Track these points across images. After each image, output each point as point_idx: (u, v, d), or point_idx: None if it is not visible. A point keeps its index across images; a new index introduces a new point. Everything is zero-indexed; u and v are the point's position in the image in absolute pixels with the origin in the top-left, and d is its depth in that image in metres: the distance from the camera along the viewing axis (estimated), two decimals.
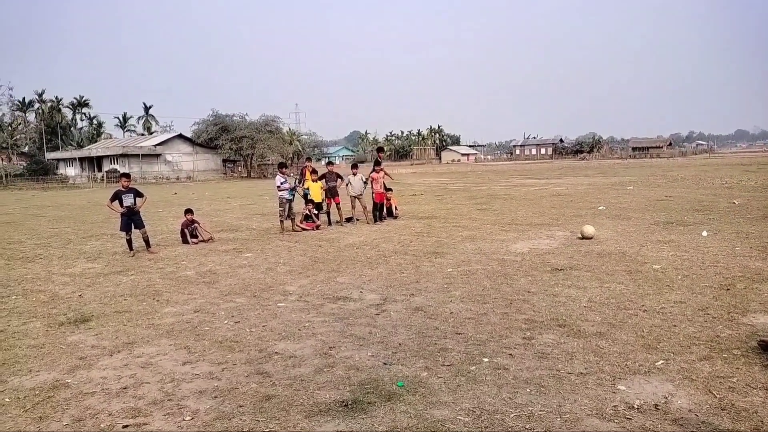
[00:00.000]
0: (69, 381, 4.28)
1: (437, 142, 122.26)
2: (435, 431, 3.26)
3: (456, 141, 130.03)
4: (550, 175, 35.99)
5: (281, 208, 12.55)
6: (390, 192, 14.49)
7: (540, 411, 3.46)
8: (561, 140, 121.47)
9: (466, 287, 6.70)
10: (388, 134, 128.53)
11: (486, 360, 4.33)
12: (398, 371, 4.17)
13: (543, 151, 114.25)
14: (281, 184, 12.56)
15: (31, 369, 4.57)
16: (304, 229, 12.58)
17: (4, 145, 62.67)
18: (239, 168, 66.35)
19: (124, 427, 3.50)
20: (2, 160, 60.79)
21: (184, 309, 6.28)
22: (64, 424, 3.58)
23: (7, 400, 3.97)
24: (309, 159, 17.40)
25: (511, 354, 4.45)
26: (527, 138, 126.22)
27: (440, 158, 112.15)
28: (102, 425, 3.53)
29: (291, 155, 67.24)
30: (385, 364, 4.33)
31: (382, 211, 13.76)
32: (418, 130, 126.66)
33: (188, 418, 3.59)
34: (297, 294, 6.77)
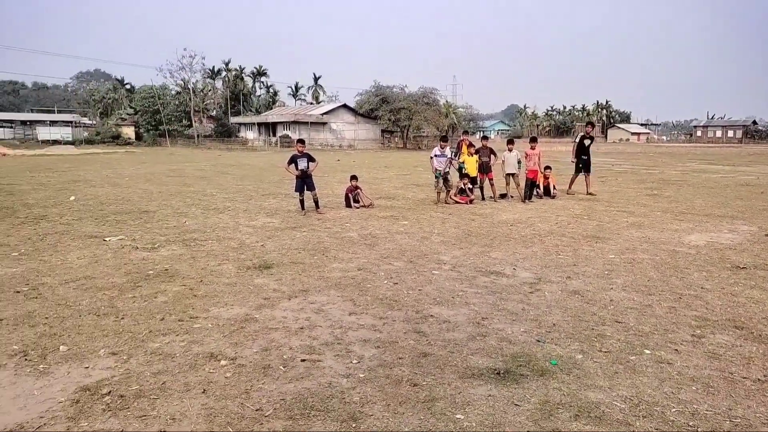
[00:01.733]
0: (257, 316, 4.99)
1: (603, 118, 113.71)
2: (589, 411, 3.29)
3: (626, 118, 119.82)
4: (737, 162, 31.75)
5: (436, 180, 12.86)
6: (549, 170, 14.04)
7: (707, 411, 3.29)
8: (754, 122, 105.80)
9: (630, 276, 6.38)
10: (549, 108, 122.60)
11: (648, 352, 4.18)
12: (551, 350, 4.21)
13: (730, 133, 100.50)
14: (435, 156, 12.83)
15: (226, 303, 5.39)
16: (457, 203, 12.76)
17: (196, 108, 71.30)
18: (396, 138, 68.31)
19: (302, 360, 4.03)
20: (195, 121, 69.39)
21: (349, 266, 6.87)
22: (254, 351, 4.22)
23: (209, 325, 4.77)
24: (466, 132, 17.43)
25: (676, 349, 4.23)
26: (711, 118, 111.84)
27: (606, 137, 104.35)
28: (284, 356, 4.11)
29: (446, 128, 67.43)
30: (539, 341, 4.38)
31: (532, 189, 13.38)
32: (583, 106, 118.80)
33: (355, 361, 4.03)
34: (450, 264, 7.01)
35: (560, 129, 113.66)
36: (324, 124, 62.91)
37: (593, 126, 15.35)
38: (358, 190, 12.32)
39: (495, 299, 5.53)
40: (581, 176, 14.62)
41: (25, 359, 4.01)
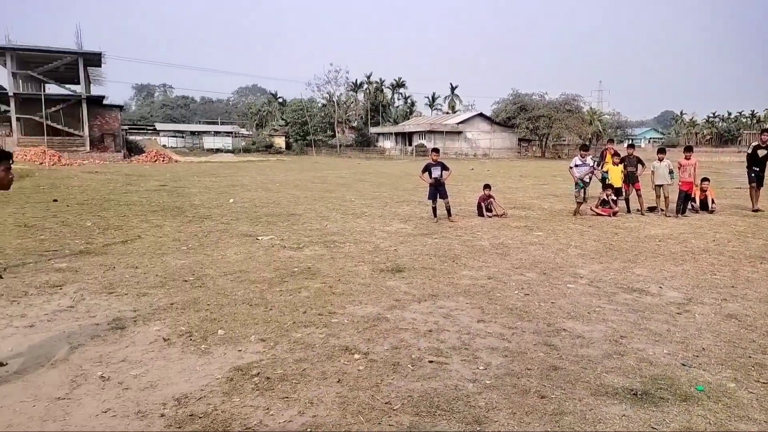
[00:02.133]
0: (388, 316, 5.22)
1: None
2: None
3: None
4: None
5: (576, 190, 12.32)
6: (706, 182, 12.74)
7: None
8: None
9: None
10: (710, 115, 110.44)
11: None
12: (698, 375, 3.88)
13: None
14: (576, 165, 12.29)
15: (361, 301, 5.70)
16: (599, 215, 12.09)
17: (339, 119, 75.46)
18: (533, 147, 66.27)
19: (430, 361, 4.15)
20: (338, 132, 73.43)
21: (479, 274, 6.87)
22: (385, 348, 4.43)
23: (345, 321, 5.08)
24: (611, 141, 16.40)
25: None
26: None
27: None
28: (413, 356, 4.26)
29: (590, 136, 63.86)
30: (684, 365, 4.06)
31: (686, 202, 12.19)
32: (752, 111, 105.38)
33: (482, 367, 4.05)
34: (588, 278, 6.70)
35: (723, 138, 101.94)
36: (459, 133, 62.99)
37: None
38: (491, 199, 12.21)
39: (636, 318, 5.20)
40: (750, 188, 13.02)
41: (190, 339, 4.61)
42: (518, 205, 14.15)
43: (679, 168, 12.29)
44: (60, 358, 4.15)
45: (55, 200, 13.96)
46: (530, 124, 59.73)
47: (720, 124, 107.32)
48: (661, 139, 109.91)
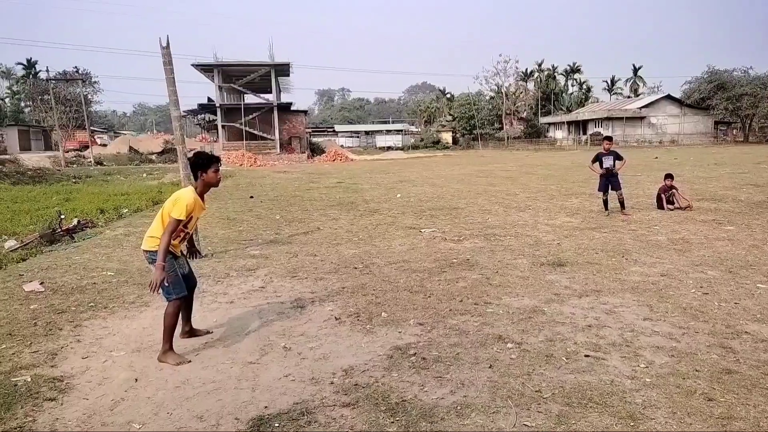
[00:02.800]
0: (545, 309, 5.19)
1: None
2: None
3: None
4: None
5: None
6: None
7: None
8: None
9: None
10: None
11: None
12: None
13: None
14: None
15: (518, 294, 5.73)
16: None
17: (507, 111, 73.90)
18: (734, 131, 58.00)
19: (586, 356, 4.09)
20: (506, 124, 72.02)
21: (651, 271, 6.43)
22: (539, 339, 4.45)
23: (500, 312, 5.18)
24: None
25: None
26: None
27: None
28: (568, 349, 4.23)
29: None
30: None
31: None
32: None
33: (643, 365, 3.88)
34: None
35: None
36: (642, 118, 57.63)
37: None
38: (674, 190, 11.15)
39: None
40: None
41: (357, 319, 5.11)
42: (708, 197, 12.70)
43: None
44: (252, 330, 4.91)
45: (251, 197, 16.03)
46: (730, 105, 52.41)
47: None
48: None
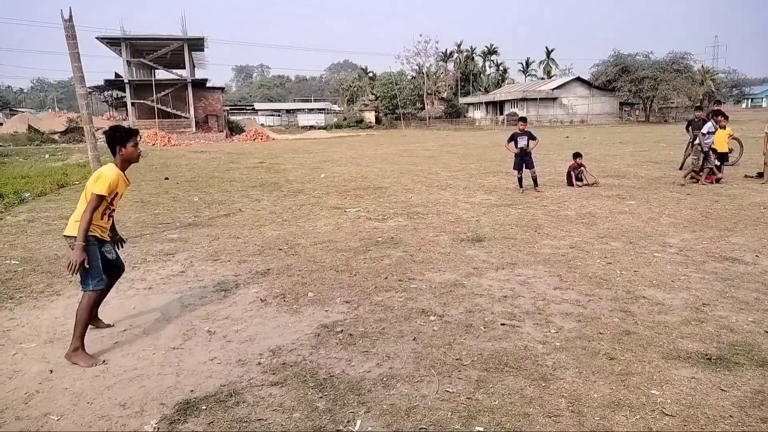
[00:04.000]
0: (465, 282, 5.43)
1: None
2: None
3: None
4: None
5: (695, 158, 11.57)
6: None
7: None
8: None
9: None
10: None
11: None
12: None
13: None
14: (708, 132, 11.42)
15: (439, 269, 5.95)
16: (702, 184, 11.36)
17: (429, 91, 74.97)
18: (636, 112, 62.18)
19: (502, 324, 4.34)
20: (427, 104, 73.07)
21: (561, 243, 6.87)
22: (460, 311, 4.67)
23: (423, 287, 5.36)
24: (718, 102, 15.22)
25: None
26: None
27: None
28: (486, 319, 4.47)
29: (701, 97, 58.75)
30: (767, 332, 3.94)
31: None
32: None
33: (554, 331, 4.18)
34: (677, 247, 6.48)
35: None
36: (554, 99, 60.41)
37: None
38: (582, 168, 11.87)
39: (724, 286, 5.03)
40: None
41: (284, 300, 5.11)
42: (612, 174, 13.62)
43: None
44: (174, 316, 4.79)
45: (167, 178, 15.36)
46: (633, 87, 56.03)
47: None
48: None
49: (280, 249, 7.00)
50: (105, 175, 3.96)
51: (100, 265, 4.03)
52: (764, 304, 4.52)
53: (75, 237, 3.86)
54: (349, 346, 4.02)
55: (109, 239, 4.28)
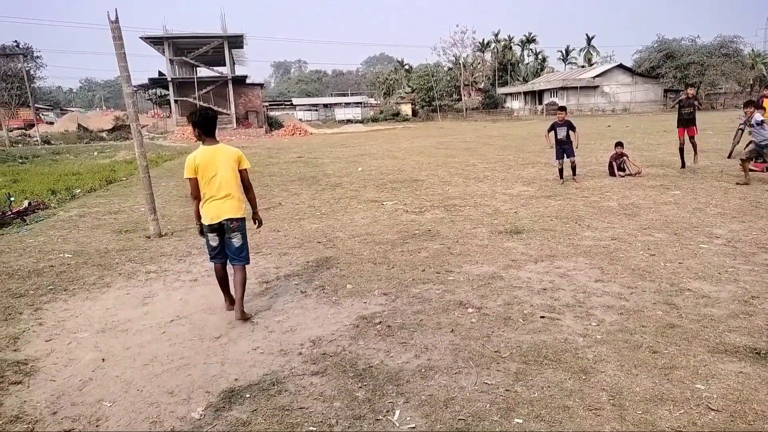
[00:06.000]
0: (503, 275, 5.40)
1: None
2: None
3: None
4: None
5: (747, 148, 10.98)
6: None
7: None
8: None
9: None
10: None
11: None
12: None
13: None
14: (760, 123, 10.69)
15: (477, 261, 5.93)
16: (751, 170, 10.90)
17: (465, 82, 74.12)
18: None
19: (542, 317, 4.31)
20: (464, 95, 72.31)
21: (603, 235, 6.73)
22: (498, 304, 4.65)
23: (461, 279, 5.36)
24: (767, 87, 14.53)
25: None
26: None
27: None
28: (524, 312, 4.44)
29: (752, 82, 56.20)
30: None
31: None
32: None
33: (594, 323, 4.13)
34: (725, 238, 6.27)
35: None
36: (595, 87, 58.86)
37: None
38: (624, 158, 11.58)
39: None
40: None
41: (323, 292, 5.20)
42: (656, 163, 13.23)
43: None
44: (218, 307, 4.94)
45: None
46: (678, 73, 54.06)
47: None
48: None
49: (319, 242, 7.11)
50: (242, 153, 4.69)
51: None
52: None
53: (240, 218, 4.61)
54: (387, 338, 4.07)
55: None
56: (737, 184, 9.70)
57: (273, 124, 50.11)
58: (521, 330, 4.09)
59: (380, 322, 4.38)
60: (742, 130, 13.76)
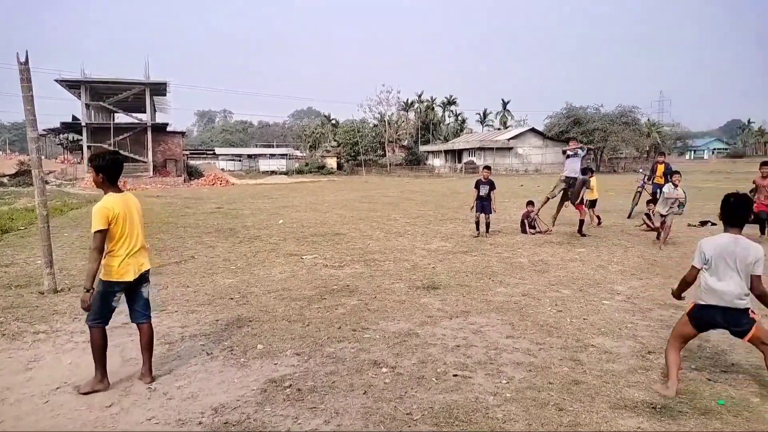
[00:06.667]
0: (419, 332, 5.39)
1: None
2: None
3: None
4: None
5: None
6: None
7: None
8: None
9: None
10: None
11: None
12: (722, 390, 3.85)
13: None
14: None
15: (394, 318, 5.89)
16: (651, 229, 11.79)
17: (390, 139, 76.29)
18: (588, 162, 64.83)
19: (454, 375, 4.30)
20: (389, 151, 74.22)
21: (514, 291, 6.94)
22: (413, 362, 4.60)
23: (377, 336, 5.28)
24: (662, 154, 16.05)
25: None
26: None
27: None
28: (438, 370, 4.41)
29: (647, 149, 61.82)
30: (710, 380, 4.03)
31: (763, 225, 10.37)
32: None
33: (504, 381, 4.16)
34: (625, 294, 6.64)
35: None
36: (510, 149, 62.38)
37: None
38: (535, 216, 12.17)
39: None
40: None
41: (231, 353, 4.94)
42: (564, 222, 13.97)
43: (756, 189, 10.47)
44: (112, 371, 4.54)
45: None
46: (584, 138, 58.40)
47: None
48: (726, 149, 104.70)
49: (232, 298, 6.82)
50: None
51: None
52: (706, 352, 4.64)
53: None
54: (296, 402, 3.89)
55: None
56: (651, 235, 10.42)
57: (193, 173, 48.77)
58: (434, 390, 4.04)
59: (290, 385, 4.19)
60: (640, 193, 14.96)
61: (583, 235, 11.40)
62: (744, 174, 42.11)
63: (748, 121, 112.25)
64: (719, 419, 3.42)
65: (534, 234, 11.77)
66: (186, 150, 60.10)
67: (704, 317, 3.84)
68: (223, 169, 60.19)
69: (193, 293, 7.11)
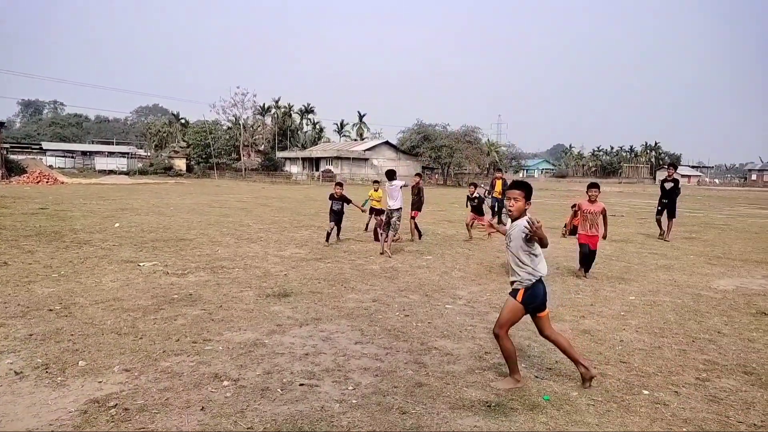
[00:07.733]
0: (266, 341, 5.18)
1: (652, 160, 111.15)
2: None
3: (675, 161, 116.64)
4: None
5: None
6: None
7: None
8: None
9: (646, 318, 6.27)
10: (595, 149, 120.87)
11: (646, 392, 4.13)
12: (548, 386, 4.22)
13: None
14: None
15: (240, 327, 5.61)
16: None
17: (245, 143, 73.95)
18: (436, 175, 68.76)
19: (301, 385, 4.17)
20: (244, 155, 71.87)
21: (365, 297, 7.01)
22: (257, 373, 4.39)
23: (220, 348, 4.98)
24: (499, 170, 17.53)
25: (676, 392, 4.16)
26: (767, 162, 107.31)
27: (654, 178, 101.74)
28: (284, 380, 4.26)
29: (488, 166, 67.38)
30: (536, 377, 4.39)
31: (590, 261, 8.64)
32: (630, 147, 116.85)
33: (351, 388, 4.14)
34: (465, 299, 7.05)
35: (607, 169, 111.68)
36: (366, 160, 64.00)
37: (675, 168, 14.11)
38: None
39: None
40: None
41: (46, 372, 4.30)
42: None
43: (576, 214, 9.13)
44: None
45: None
46: (433, 153, 62.00)
47: (604, 157, 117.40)
48: (552, 170, 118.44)
49: (51, 310, 5.99)
50: None
51: None
52: (534, 350, 5.07)
53: None
54: (122, 423, 3.48)
55: None
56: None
57: (13, 169, 42.69)
58: (279, 401, 3.88)
59: (116, 405, 3.74)
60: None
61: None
62: (566, 191, 47.88)
63: (570, 146, 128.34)
64: (545, 414, 3.72)
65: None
66: (5, 143, 52.54)
67: None
68: (51, 166, 53.58)
69: (2, 304, 6.12)
